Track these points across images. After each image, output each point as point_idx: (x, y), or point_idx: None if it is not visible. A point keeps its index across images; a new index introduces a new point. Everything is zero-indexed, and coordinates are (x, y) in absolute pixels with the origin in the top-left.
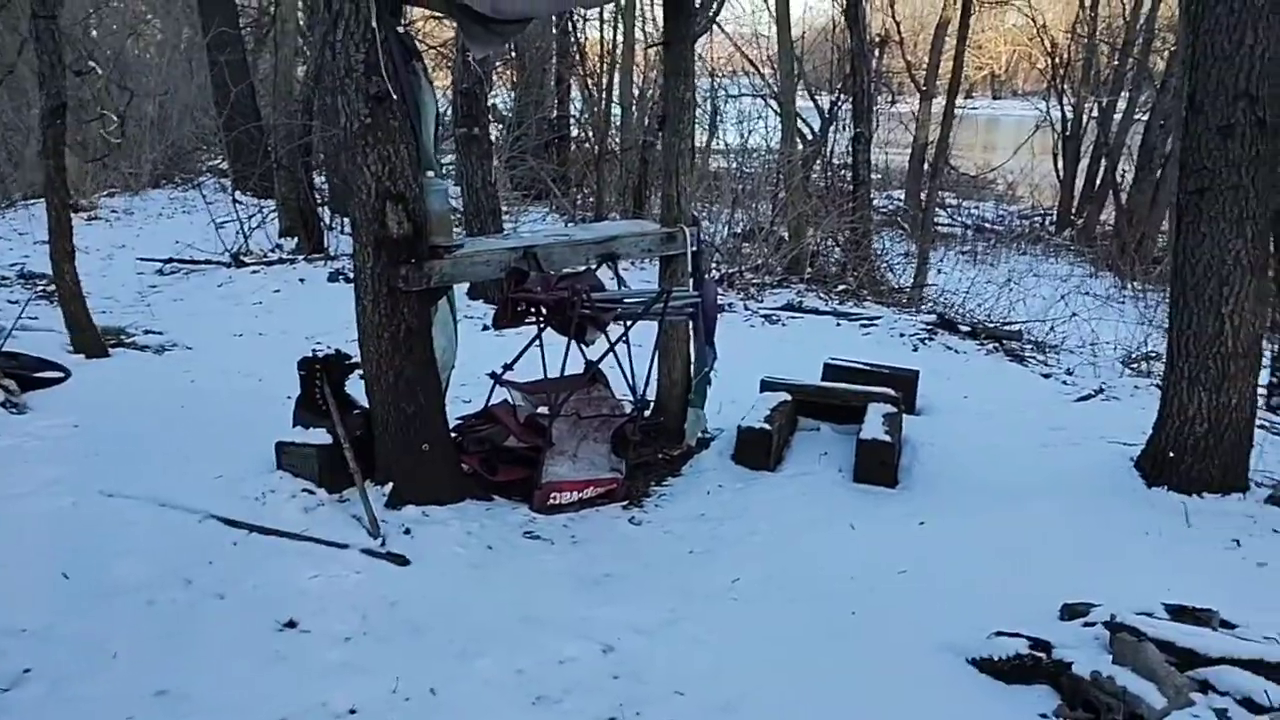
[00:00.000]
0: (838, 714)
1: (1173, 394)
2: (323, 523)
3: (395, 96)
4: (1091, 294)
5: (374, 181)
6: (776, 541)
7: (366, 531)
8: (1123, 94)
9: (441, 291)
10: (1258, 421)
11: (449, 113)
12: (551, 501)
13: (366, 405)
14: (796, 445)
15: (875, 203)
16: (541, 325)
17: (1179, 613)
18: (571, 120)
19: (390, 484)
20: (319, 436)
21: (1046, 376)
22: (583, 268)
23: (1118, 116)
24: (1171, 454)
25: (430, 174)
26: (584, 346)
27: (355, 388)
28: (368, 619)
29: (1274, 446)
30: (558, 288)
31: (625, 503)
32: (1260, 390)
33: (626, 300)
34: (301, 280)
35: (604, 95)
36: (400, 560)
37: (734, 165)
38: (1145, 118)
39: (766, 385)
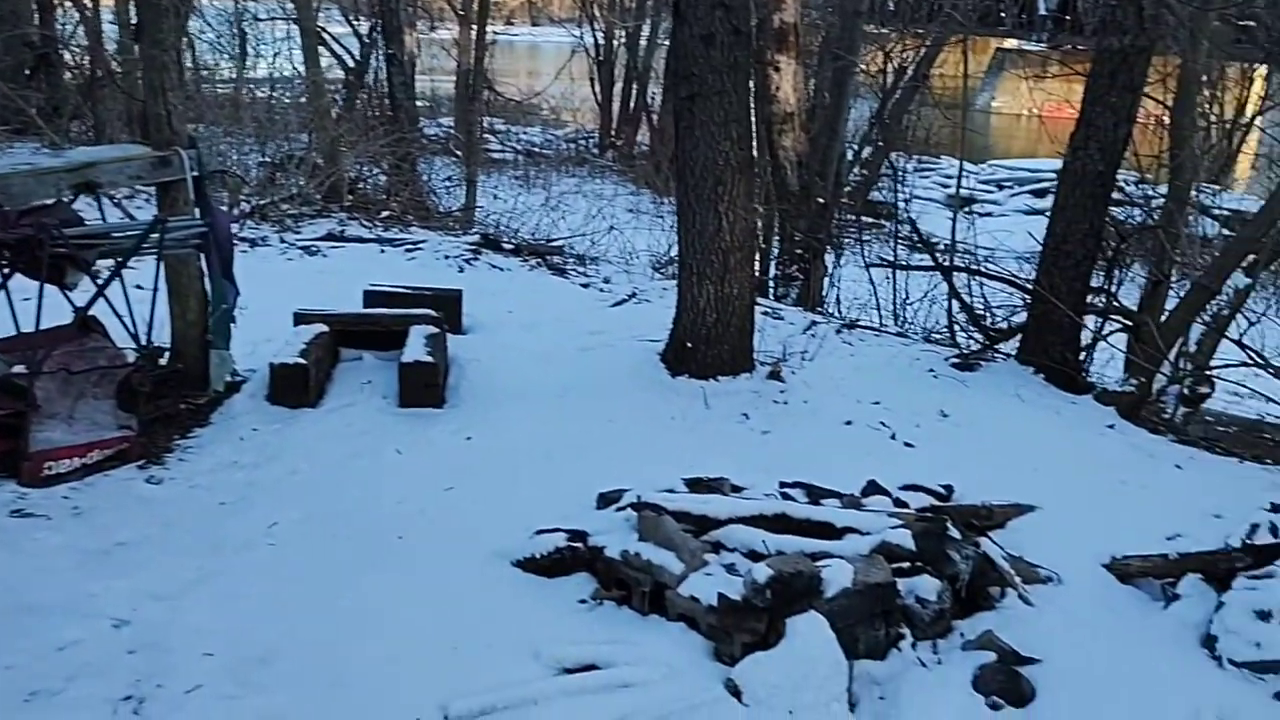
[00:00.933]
0: (383, 642)
1: (685, 289)
2: None
3: None
4: (632, 210)
5: None
6: (318, 479)
7: None
8: (646, 20)
9: None
10: (760, 308)
11: None
12: (46, 472)
13: None
14: (339, 377)
15: (428, 130)
16: (6, 270)
17: (695, 484)
18: (59, 42)
19: None
20: None
21: (586, 286)
22: (53, 200)
23: (644, 42)
24: (689, 344)
25: None
26: (66, 291)
27: None
28: None
29: (773, 329)
30: (21, 224)
31: (142, 461)
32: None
33: (114, 235)
34: None
35: (94, 11)
36: None
37: (268, 94)
38: (668, 43)
39: (300, 318)
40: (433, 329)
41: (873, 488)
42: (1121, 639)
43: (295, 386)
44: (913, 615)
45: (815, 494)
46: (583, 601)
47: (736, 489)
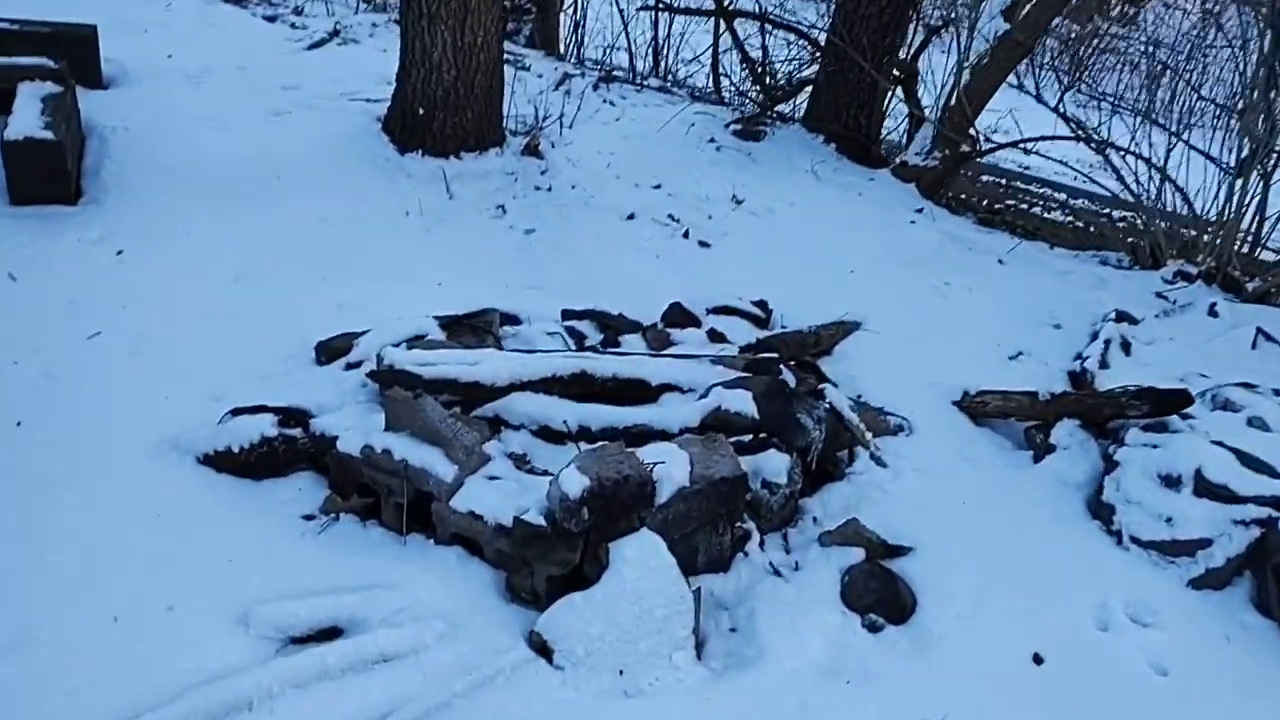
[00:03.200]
0: None
1: (413, 36)
2: None
3: None
4: None
5: None
6: None
7: None
8: None
9: None
10: (521, 61)
11: None
12: None
13: None
14: None
15: None
16: None
17: (454, 326)
18: None
19: None
20: None
21: (272, 20)
22: None
23: None
24: (422, 110)
25: None
26: None
27: None
28: None
29: (518, 83)
30: None
31: None
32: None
33: None
34: None
35: None
36: None
37: None
38: None
39: None
40: (53, 86)
41: (678, 312)
42: (997, 508)
43: None
44: (759, 505)
45: (610, 327)
46: (309, 518)
47: (508, 320)
